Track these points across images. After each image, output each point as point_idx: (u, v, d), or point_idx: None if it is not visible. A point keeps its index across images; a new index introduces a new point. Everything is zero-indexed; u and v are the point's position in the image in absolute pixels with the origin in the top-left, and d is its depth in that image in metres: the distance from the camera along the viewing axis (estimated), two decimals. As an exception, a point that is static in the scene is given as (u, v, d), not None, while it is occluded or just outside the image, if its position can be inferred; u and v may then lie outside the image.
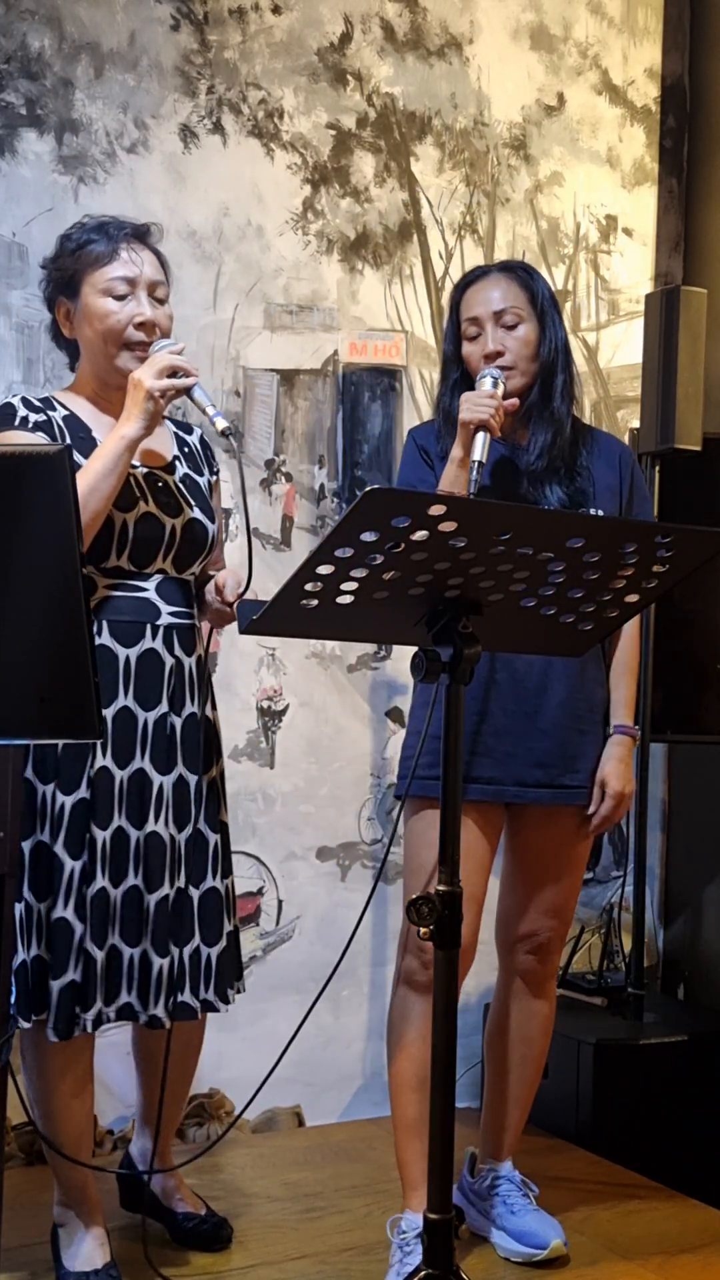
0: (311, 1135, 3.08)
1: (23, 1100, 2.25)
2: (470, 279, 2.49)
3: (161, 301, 2.29)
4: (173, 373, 2.15)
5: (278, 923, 3.21)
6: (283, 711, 3.22)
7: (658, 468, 3.28)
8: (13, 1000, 2.15)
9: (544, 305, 2.46)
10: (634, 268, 3.81)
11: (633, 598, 1.80)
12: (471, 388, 2.41)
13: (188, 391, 2.17)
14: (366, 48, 3.38)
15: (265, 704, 3.20)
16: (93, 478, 2.10)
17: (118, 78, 3.05)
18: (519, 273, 2.47)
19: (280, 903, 3.21)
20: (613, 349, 3.76)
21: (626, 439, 3.64)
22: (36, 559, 1.40)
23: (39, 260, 2.90)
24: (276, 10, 3.25)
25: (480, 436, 2.27)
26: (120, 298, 2.23)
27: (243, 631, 2.10)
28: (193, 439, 2.46)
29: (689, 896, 3.72)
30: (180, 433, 2.44)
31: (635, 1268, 2.44)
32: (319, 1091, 3.16)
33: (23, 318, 2.93)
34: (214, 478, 2.44)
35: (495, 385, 2.34)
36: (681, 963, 3.73)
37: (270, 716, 3.21)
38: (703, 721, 3.44)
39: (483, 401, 2.30)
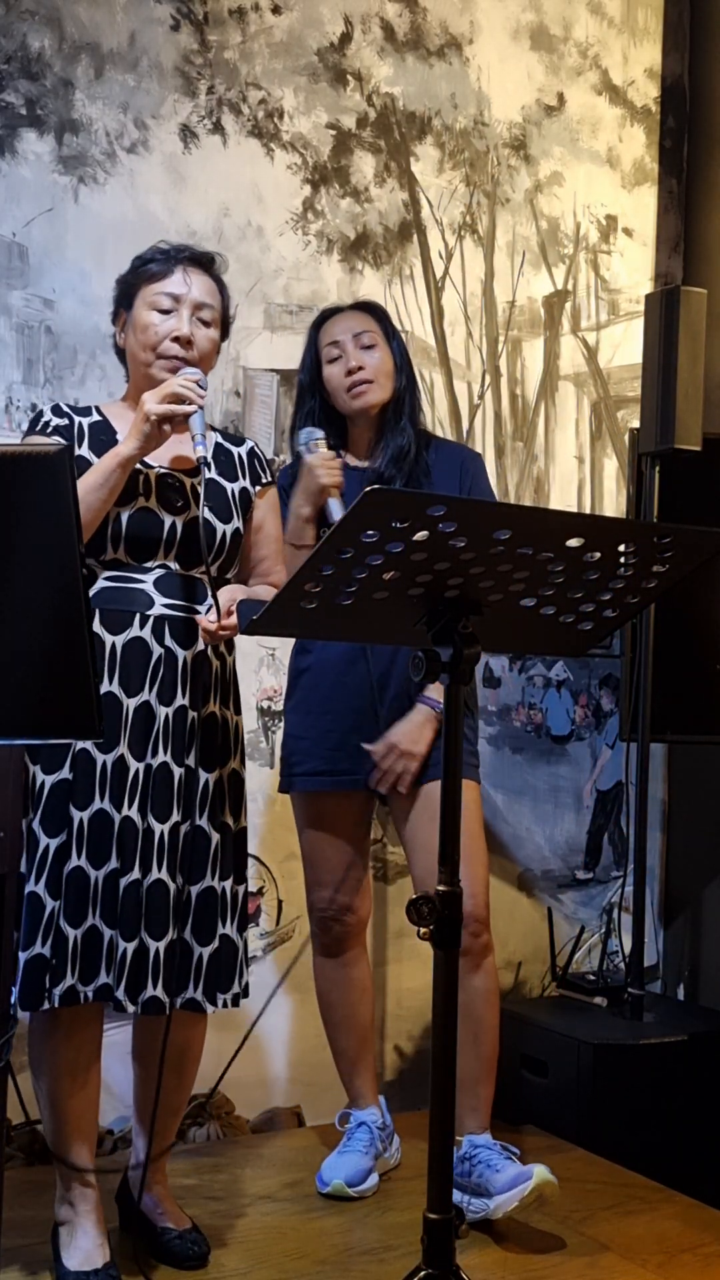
0: (311, 1135, 3.08)
1: (21, 1100, 2.25)
2: (327, 314, 2.80)
3: (207, 324, 2.37)
4: (178, 400, 2.23)
5: (278, 923, 3.21)
6: (282, 712, 3.22)
7: (658, 468, 3.28)
8: (14, 1000, 2.16)
9: (394, 335, 2.78)
10: (634, 268, 3.82)
11: (633, 598, 1.80)
12: (330, 415, 2.75)
13: (185, 419, 2.24)
14: (366, 48, 3.38)
15: (265, 704, 3.20)
16: (81, 490, 2.18)
17: (118, 78, 3.05)
18: (372, 308, 2.81)
19: (280, 903, 3.21)
20: (613, 349, 3.76)
21: (626, 439, 3.64)
22: (36, 558, 1.40)
23: (39, 260, 2.92)
24: (276, 10, 3.26)
25: (334, 501, 2.58)
26: (165, 312, 2.35)
27: (243, 631, 2.13)
28: (240, 450, 2.47)
29: (689, 896, 3.72)
30: (226, 444, 2.47)
31: (635, 1268, 2.44)
32: (319, 1091, 3.16)
33: (23, 318, 2.93)
34: (256, 488, 2.46)
35: (316, 446, 2.63)
36: (681, 963, 3.73)
37: (270, 716, 3.21)
38: (703, 721, 3.44)
39: (333, 464, 2.61)
